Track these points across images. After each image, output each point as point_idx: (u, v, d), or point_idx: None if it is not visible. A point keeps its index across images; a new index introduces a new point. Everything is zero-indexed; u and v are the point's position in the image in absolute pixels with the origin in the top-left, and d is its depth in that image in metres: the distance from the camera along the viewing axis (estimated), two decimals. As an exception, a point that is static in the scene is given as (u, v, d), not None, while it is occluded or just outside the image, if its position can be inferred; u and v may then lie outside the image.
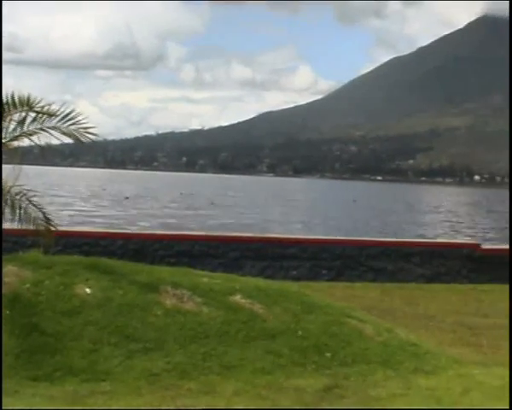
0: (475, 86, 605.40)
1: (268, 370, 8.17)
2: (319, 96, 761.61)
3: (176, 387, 7.55)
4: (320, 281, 17.07)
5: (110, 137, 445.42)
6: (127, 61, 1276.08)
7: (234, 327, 8.94)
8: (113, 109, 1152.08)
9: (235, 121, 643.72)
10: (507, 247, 21.47)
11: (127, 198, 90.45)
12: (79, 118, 9.91)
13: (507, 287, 16.29)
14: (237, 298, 9.68)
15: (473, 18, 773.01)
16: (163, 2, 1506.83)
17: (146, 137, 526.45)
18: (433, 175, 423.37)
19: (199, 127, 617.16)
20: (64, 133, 9.92)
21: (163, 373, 7.84)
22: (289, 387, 7.78)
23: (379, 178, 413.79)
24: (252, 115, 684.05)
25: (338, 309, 10.32)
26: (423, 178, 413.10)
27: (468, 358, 9.63)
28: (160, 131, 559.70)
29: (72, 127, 9.88)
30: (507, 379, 8.18)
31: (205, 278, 10.44)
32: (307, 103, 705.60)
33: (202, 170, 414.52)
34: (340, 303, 11.26)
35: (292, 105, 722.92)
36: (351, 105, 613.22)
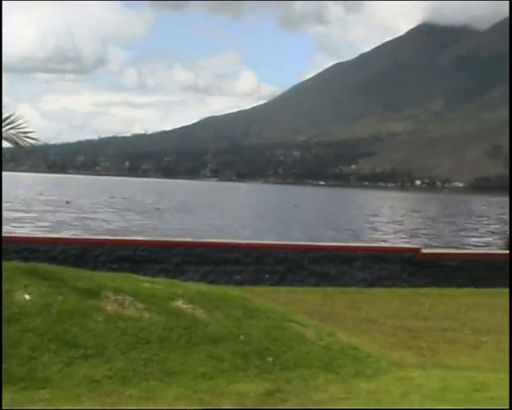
0: (416, 92, 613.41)
1: (210, 375, 8.15)
2: (262, 101, 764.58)
3: (117, 393, 7.48)
4: (263, 285, 17.09)
5: (51, 142, 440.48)
6: (68, 64, 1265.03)
7: (175, 332, 8.90)
8: (55, 113, 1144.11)
9: (179, 126, 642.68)
10: (446, 251, 21.77)
11: (68, 202, 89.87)
12: (19, 122, 9.77)
13: (446, 291, 16.53)
14: (179, 303, 9.64)
15: (413, 25, 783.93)
16: (105, 7, 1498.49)
17: (88, 141, 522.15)
18: (376, 180, 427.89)
19: (142, 132, 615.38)
20: (3, 138, 9.77)
21: (104, 380, 7.76)
22: (231, 392, 7.76)
23: (322, 183, 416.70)
24: (195, 120, 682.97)
25: (280, 314, 10.35)
26: (366, 183, 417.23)
27: (408, 361, 9.73)
28: (103, 136, 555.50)
29: (12, 131, 9.74)
30: (445, 382, 8.29)
31: (146, 283, 10.38)
32: (250, 108, 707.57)
33: (145, 174, 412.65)
34: (282, 308, 11.29)
35: (235, 110, 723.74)
36: (294, 110, 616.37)
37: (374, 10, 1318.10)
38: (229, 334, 9.15)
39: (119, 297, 9.37)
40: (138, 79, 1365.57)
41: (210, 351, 8.66)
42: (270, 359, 8.76)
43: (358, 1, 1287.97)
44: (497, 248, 35.10)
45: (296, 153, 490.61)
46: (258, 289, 15.62)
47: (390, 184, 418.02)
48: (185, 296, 9.86)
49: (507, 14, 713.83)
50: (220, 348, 8.78)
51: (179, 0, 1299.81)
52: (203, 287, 11.08)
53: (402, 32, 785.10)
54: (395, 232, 71.85)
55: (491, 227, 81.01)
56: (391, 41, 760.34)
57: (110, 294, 9.40)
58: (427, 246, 34.58)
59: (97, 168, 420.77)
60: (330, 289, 16.67)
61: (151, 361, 8.22)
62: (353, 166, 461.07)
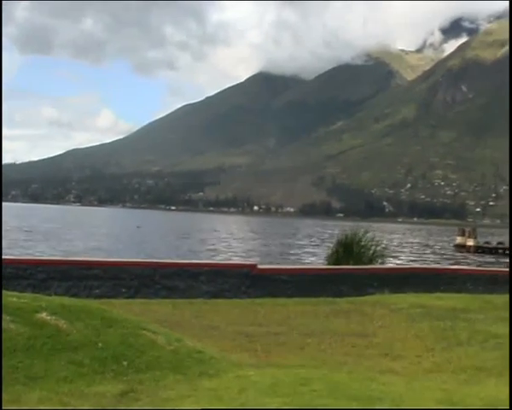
0: (253, 131, 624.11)
1: (70, 379, 7.94)
2: (121, 136, 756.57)
3: (-17, 398, 7.16)
4: (120, 298, 16.81)
5: None
6: None
7: (39, 341, 8.63)
8: None
9: (45, 157, 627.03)
10: (278, 266, 22.15)
11: None
12: None
13: (278, 300, 16.79)
14: (43, 315, 9.36)
15: (251, 73, 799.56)
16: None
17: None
18: (220, 205, 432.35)
19: (11, 161, 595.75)
20: None
21: (-28, 386, 7.41)
22: (90, 393, 7.60)
23: (173, 207, 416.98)
24: (60, 152, 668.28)
25: (134, 323, 10.22)
26: (211, 208, 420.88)
27: (246, 361, 9.80)
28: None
29: None
30: (276, 378, 8.41)
31: (13, 297, 10.02)
32: (110, 142, 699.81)
33: (14, 200, 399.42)
34: (137, 317, 11.15)
35: (96, 143, 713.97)
36: (149, 144, 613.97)
37: (217, 59, 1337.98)
38: (89, 341, 8.96)
39: (-12, 311, 8.99)
40: (7, 114, 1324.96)
41: (71, 357, 8.45)
42: (125, 363, 8.64)
43: (204, 49, 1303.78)
44: (319, 263, 36.03)
45: (150, 181, 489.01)
46: (115, 301, 15.35)
47: (232, 209, 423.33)
48: (49, 309, 9.58)
49: (328, 67, 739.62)
50: (80, 354, 8.58)
51: (45, 45, 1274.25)
52: (66, 300, 10.79)
53: (242, 79, 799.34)
54: (235, 250, 72.54)
55: (316, 245, 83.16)
56: (232, 86, 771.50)
57: (-21, 308, 9.01)
58: (262, 262, 35.10)
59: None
60: (179, 300, 16.57)
61: (16, 368, 7.92)
62: (200, 194, 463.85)
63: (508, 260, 73.85)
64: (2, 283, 15.50)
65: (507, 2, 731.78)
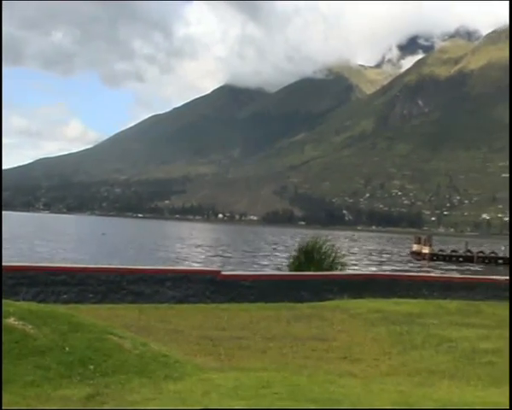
0: (218, 141, 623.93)
1: (37, 383, 7.83)
2: (89, 146, 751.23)
3: (-49, 402, 7.02)
4: (87, 303, 16.63)
5: None
6: None
7: (7, 346, 8.49)
8: None
9: (15, 165, 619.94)
10: (241, 273, 22.11)
11: None
12: None
13: (241, 306, 16.77)
14: (11, 320, 9.22)
15: (217, 86, 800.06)
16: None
17: None
18: (185, 213, 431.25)
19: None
20: None
21: None
22: (56, 397, 7.49)
23: (140, 215, 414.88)
24: (30, 160, 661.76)
25: (101, 327, 10.11)
26: (177, 216, 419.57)
27: (209, 365, 9.76)
28: None
29: None
30: (239, 381, 8.39)
31: (-18, 303, 9.86)
32: (79, 151, 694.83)
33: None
34: (104, 322, 11.04)
35: (65, 152, 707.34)
36: (116, 153, 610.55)
37: (184, 72, 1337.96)
38: (56, 346, 8.84)
39: (-44, 316, 8.84)
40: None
41: (38, 362, 8.33)
42: (91, 367, 8.54)
43: (171, 62, 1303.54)
44: (281, 269, 36.08)
45: (118, 189, 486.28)
46: (82, 306, 15.17)
47: (197, 217, 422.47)
48: (17, 314, 9.44)
49: (291, 80, 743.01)
50: (47, 358, 8.47)
51: (15, 56, 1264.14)
52: (33, 306, 10.65)
53: (208, 91, 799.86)
54: (200, 257, 72.34)
55: (278, 252, 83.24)
56: (198, 98, 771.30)
57: None
58: (226, 268, 35.05)
59: None
60: (145, 305, 16.44)
61: (-16, 372, 7.79)
62: (167, 202, 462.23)
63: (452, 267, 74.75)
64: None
65: (459, 22, 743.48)
